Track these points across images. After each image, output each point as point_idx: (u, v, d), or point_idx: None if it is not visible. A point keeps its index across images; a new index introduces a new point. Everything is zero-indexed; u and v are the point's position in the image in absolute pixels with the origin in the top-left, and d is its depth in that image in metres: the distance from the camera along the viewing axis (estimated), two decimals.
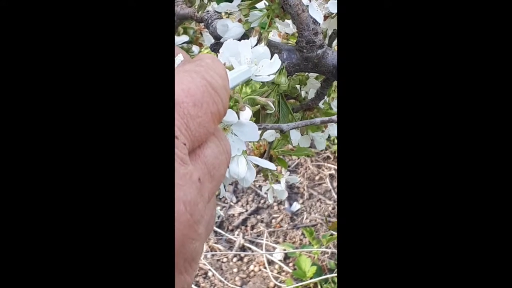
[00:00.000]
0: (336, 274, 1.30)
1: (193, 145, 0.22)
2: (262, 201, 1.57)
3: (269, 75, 0.30)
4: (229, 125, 0.27)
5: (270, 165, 0.31)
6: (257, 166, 0.31)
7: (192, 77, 0.22)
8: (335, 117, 0.34)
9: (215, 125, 0.23)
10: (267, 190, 0.52)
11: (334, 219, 1.47)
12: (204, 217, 0.21)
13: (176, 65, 0.26)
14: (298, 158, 1.66)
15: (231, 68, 0.28)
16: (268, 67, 0.30)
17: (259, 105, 0.31)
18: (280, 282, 1.35)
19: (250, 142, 0.42)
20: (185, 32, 0.50)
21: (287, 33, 0.47)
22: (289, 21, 0.42)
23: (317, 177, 1.62)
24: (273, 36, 0.46)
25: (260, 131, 0.31)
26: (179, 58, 0.26)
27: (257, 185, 1.60)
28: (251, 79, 0.29)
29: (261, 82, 0.31)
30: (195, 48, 0.50)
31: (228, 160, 0.24)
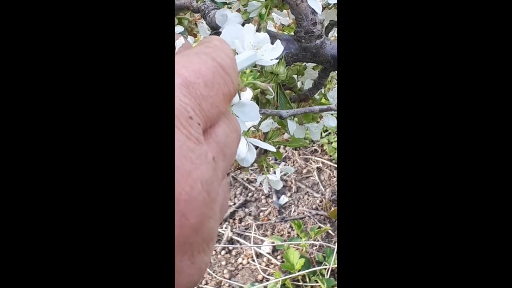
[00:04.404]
0: (324, 267, 1.31)
1: (205, 125, 0.22)
2: (250, 194, 1.57)
3: (271, 60, 0.30)
4: (230, 106, 0.27)
5: (270, 147, 0.31)
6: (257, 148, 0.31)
7: (202, 58, 0.22)
8: (333, 105, 0.34)
9: (226, 105, 0.23)
10: (263, 180, 0.53)
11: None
12: (219, 196, 0.22)
13: (176, 49, 0.26)
14: (286, 151, 1.67)
15: (234, 50, 0.29)
16: (270, 51, 0.30)
17: (259, 90, 0.31)
18: (268, 274, 1.35)
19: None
20: (180, 23, 0.50)
21: (282, 24, 0.48)
22: (286, 12, 0.42)
23: (304, 170, 1.63)
24: (269, 27, 0.46)
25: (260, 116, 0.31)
26: (180, 41, 0.27)
27: (245, 178, 1.61)
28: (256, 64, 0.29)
29: (259, 70, 0.32)
30: (190, 39, 0.50)
31: (238, 139, 0.24)
